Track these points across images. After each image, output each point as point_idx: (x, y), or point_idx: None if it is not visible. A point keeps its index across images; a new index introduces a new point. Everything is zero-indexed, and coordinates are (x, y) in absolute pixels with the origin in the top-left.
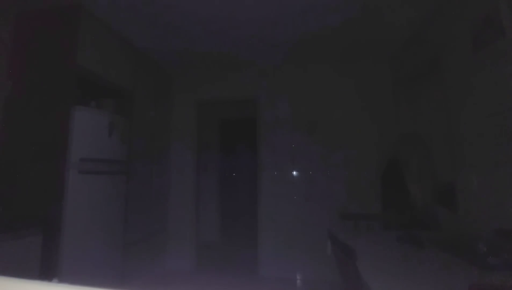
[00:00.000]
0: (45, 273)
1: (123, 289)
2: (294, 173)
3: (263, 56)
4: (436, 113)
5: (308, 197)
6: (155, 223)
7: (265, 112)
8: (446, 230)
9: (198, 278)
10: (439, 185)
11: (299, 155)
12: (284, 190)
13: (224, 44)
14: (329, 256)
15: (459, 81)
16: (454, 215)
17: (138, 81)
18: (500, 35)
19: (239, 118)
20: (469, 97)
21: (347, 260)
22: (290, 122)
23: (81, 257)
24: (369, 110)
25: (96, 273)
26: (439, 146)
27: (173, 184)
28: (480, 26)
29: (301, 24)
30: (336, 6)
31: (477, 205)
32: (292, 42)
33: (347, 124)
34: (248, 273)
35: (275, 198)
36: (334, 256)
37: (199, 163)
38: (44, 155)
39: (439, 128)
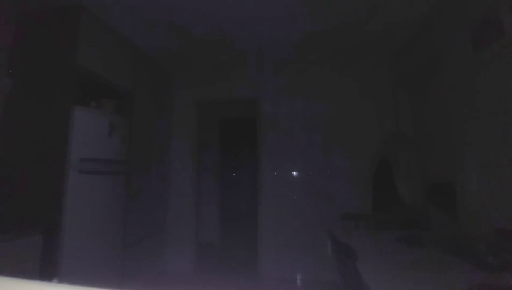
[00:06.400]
0: (45, 273)
1: (123, 289)
2: (294, 173)
3: (263, 56)
4: (436, 113)
5: (308, 197)
6: (155, 223)
7: (265, 112)
8: (446, 230)
9: (198, 278)
10: (437, 185)
11: (299, 155)
12: (284, 190)
13: (225, 44)
14: (329, 256)
15: (459, 81)
16: (452, 214)
17: (138, 81)
18: (500, 35)
19: (239, 118)
20: (469, 97)
21: (347, 260)
22: (290, 122)
23: (81, 257)
24: (369, 110)
25: (96, 273)
26: (439, 145)
27: (173, 184)
28: (480, 26)
29: (302, 24)
30: (336, 6)
31: (476, 205)
32: (292, 42)
33: (347, 124)
34: (248, 273)
35: (275, 198)
36: (334, 256)
37: (199, 163)
38: (44, 155)
39: (439, 127)
